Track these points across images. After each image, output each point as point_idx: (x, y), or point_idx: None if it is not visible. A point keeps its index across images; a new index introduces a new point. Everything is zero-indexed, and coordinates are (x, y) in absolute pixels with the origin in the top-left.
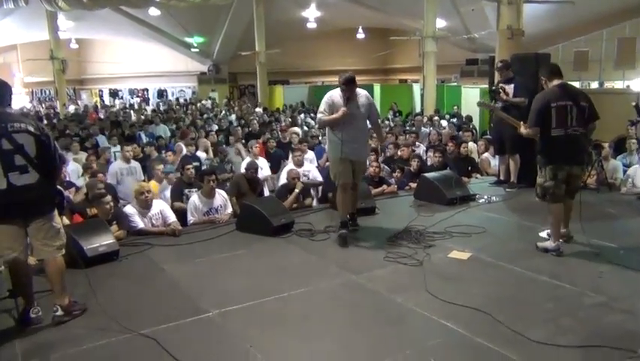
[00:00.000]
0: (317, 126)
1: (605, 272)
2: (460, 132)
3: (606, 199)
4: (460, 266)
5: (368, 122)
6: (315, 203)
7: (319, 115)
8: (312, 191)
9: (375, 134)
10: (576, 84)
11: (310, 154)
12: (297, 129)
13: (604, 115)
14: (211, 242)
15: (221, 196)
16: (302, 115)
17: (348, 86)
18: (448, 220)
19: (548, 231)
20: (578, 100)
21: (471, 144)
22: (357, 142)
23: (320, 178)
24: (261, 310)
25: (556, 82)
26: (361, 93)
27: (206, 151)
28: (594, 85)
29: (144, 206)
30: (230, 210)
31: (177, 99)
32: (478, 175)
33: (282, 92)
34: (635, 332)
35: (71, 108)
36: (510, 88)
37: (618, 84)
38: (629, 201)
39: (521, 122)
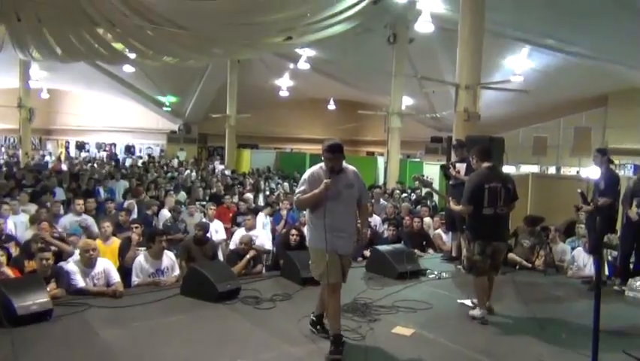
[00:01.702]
0: (295, 207)
1: (545, 355)
2: (419, 207)
3: (553, 281)
4: (402, 342)
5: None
6: (264, 270)
7: (296, 195)
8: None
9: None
10: (535, 168)
11: (263, 219)
12: (248, 196)
13: (557, 199)
14: (152, 305)
15: (168, 258)
16: (269, 181)
17: (335, 154)
18: (396, 294)
19: (473, 300)
20: (506, 182)
21: (427, 219)
22: (345, 230)
23: (268, 245)
24: None
25: (486, 164)
26: (349, 168)
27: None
28: (552, 170)
29: (88, 264)
30: (177, 272)
31: (150, 156)
32: (432, 250)
33: (249, 156)
34: None
35: (36, 158)
36: (462, 166)
37: (575, 170)
38: (574, 284)
39: (450, 198)
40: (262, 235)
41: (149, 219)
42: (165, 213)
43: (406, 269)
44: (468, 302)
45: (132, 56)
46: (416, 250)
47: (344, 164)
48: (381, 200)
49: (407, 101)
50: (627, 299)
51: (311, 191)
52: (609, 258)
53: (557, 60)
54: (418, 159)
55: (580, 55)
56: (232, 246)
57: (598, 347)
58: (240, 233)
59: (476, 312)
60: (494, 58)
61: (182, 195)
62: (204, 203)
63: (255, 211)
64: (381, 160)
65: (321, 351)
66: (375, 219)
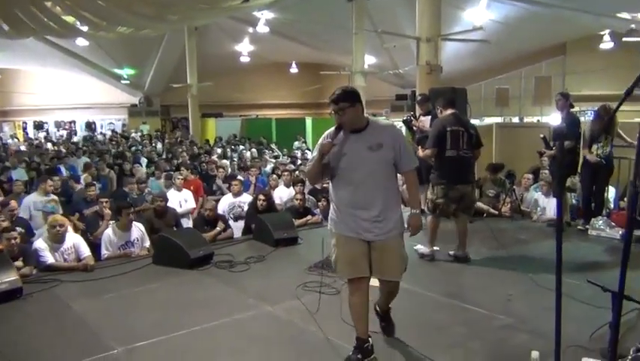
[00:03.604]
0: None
1: (514, 294)
2: None
3: (519, 226)
4: (377, 293)
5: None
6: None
7: (308, 165)
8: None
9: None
10: (498, 119)
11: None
12: (224, 162)
13: (520, 148)
14: (124, 277)
15: (138, 229)
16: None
17: (340, 104)
18: None
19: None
20: (468, 127)
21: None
22: (372, 207)
23: None
24: (169, 345)
25: (449, 111)
26: (378, 123)
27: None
28: (515, 120)
29: (56, 240)
30: (147, 243)
31: (113, 131)
32: (402, 206)
33: (214, 125)
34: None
35: None
36: (427, 119)
37: (536, 119)
38: (539, 228)
39: (418, 147)
40: (249, 199)
41: (122, 192)
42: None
43: None
44: (420, 247)
45: (84, 28)
46: None
47: (371, 118)
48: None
49: (370, 60)
50: (590, 238)
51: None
52: (573, 201)
53: (517, 10)
54: (384, 118)
55: (539, 3)
56: (220, 211)
57: (561, 279)
58: (227, 199)
59: (424, 250)
60: (454, 10)
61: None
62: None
63: (232, 177)
64: None
65: (298, 308)
66: None
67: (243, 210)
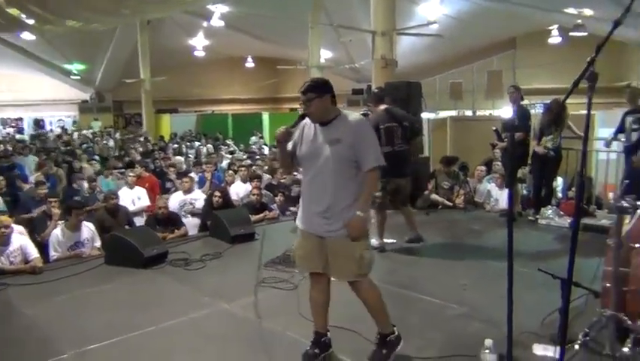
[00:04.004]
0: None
1: (468, 284)
2: None
3: (473, 217)
4: (334, 286)
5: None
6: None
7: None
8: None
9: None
10: (453, 112)
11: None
12: (178, 158)
13: (474, 140)
14: (76, 278)
15: (88, 229)
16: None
17: (306, 95)
18: None
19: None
20: (402, 121)
21: None
22: (321, 203)
23: None
24: (123, 346)
25: (382, 107)
26: (348, 118)
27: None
28: (468, 113)
29: (1, 242)
30: (98, 243)
31: (63, 128)
32: None
33: (169, 120)
34: (486, 337)
35: None
36: None
37: (489, 112)
38: (492, 218)
39: None
40: (201, 196)
41: (73, 190)
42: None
43: None
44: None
45: (30, 21)
46: None
47: (343, 112)
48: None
49: (326, 54)
50: (540, 227)
51: (294, 148)
52: (524, 191)
53: (469, 5)
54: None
55: None
56: (171, 208)
57: (513, 267)
58: (177, 196)
59: (374, 242)
60: (408, 4)
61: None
62: (123, 171)
63: (186, 174)
64: None
65: (255, 305)
66: None
67: (194, 206)
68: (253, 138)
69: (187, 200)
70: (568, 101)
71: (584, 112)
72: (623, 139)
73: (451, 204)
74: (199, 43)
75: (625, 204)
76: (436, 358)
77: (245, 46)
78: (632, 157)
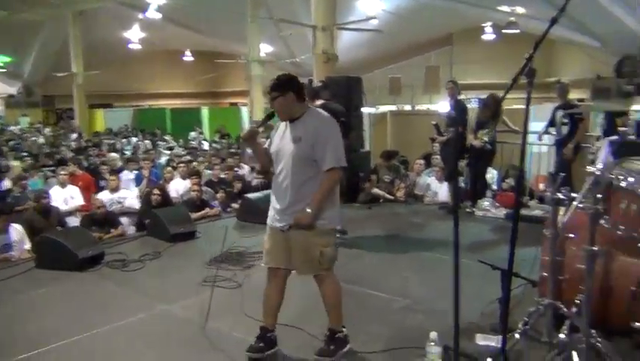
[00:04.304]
0: None
1: (411, 276)
2: None
3: (413, 210)
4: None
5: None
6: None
7: None
8: (127, 218)
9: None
10: (392, 107)
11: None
12: (113, 155)
13: (413, 134)
14: (4, 283)
15: (16, 230)
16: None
17: (272, 93)
18: None
19: None
20: (338, 116)
21: None
22: (283, 201)
23: (137, 205)
24: (58, 354)
25: (318, 102)
26: (314, 116)
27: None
28: (407, 107)
29: None
30: (28, 245)
31: None
32: None
33: (103, 116)
34: (429, 329)
35: None
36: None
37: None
38: (432, 210)
39: None
40: (130, 194)
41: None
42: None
43: None
44: None
45: None
46: None
47: (311, 109)
48: (248, 150)
49: (267, 48)
50: (477, 218)
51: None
52: (461, 184)
53: (408, 1)
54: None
55: None
56: None
57: (459, 259)
58: (103, 196)
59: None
60: (348, 0)
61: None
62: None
63: (121, 171)
64: (245, 110)
65: (198, 305)
66: (244, 169)
67: (122, 205)
68: (192, 134)
69: (114, 199)
70: (509, 96)
71: (517, 107)
72: (554, 132)
73: (392, 197)
74: (135, 35)
75: (561, 196)
76: (382, 351)
77: (183, 39)
78: (562, 150)
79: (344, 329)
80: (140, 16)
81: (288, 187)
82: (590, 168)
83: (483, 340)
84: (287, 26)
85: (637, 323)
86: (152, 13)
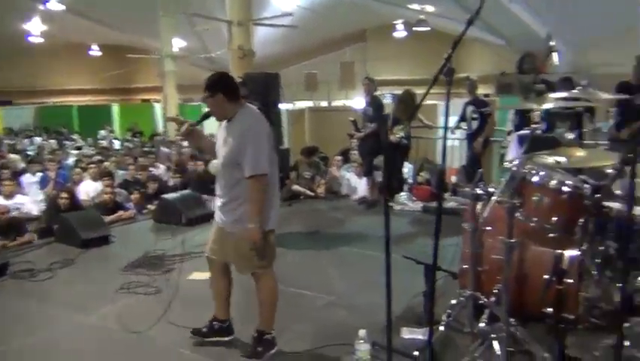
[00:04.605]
0: None
1: (334, 272)
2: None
3: (334, 206)
4: (201, 287)
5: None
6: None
7: None
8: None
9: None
10: (309, 103)
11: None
12: (14, 157)
13: (331, 130)
14: None
15: None
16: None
17: (205, 92)
18: (188, 241)
19: None
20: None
21: (215, 161)
22: (220, 198)
23: (36, 211)
24: None
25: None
26: (243, 117)
27: None
28: (324, 103)
29: None
30: None
31: None
32: None
33: (1, 114)
34: (354, 324)
35: None
36: None
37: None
38: (352, 206)
39: None
40: (27, 200)
41: None
42: None
43: (195, 214)
44: None
45: None
46: (204, 195)
47: (242, 110)
48: (163, 148)
49: (180, 43)
50: (395, 212)
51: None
52: (379, 179)
53: None
54: (197, 103)
55: None
56: None
57: (390, 255)
58: None
59: None
60: None
61: None
62: None
63: (21, 173)
64: (158, 107)
65: (117, 313)
66: (159, 168)
67: (20, 212)
68: (102, 132)
69: (10, 206)
70: (417, 91)
71: (430, 102)
72: (464, 127)
73: (312, 194)
74: (36, 28)
75: (479, 191)
76: (308, 351)
77: (89, 32)
78: (473, 143)
79: (273, 332)
80: (41, 7)
81: (223, 186)
82: (506, 164)
83: (409, 333)
84: (201, 21)
85: (549, 309)
86: (54, 5)
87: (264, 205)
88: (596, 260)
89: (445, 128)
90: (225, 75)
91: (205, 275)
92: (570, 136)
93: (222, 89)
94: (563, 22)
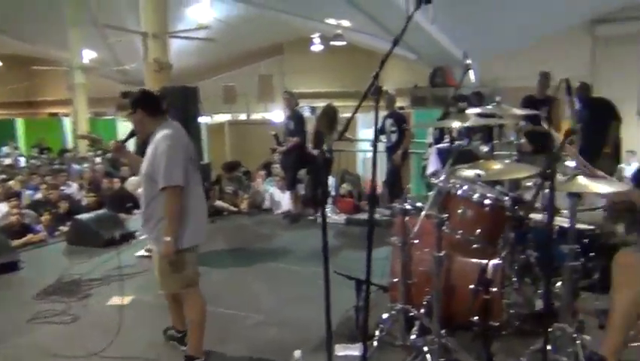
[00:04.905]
0: None
1: (262, 288)
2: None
3: (258, 221)
4: (121, 313)
5: None
6: None
7: None
8: None
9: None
10: (228, 116)
11: None
12: None
13: (251, 143)
14: None
15: None
16: None
17: (131, 109)
18: (106, 263)
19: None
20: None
21: (132, 178)
22: (142, 215)
23: None
24: None
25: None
26: (155, 136)
27: None
28: (243, 116)
29: None
30: None
31: None
32: (137, 210)
33: None
34: (286, 342)
35: None
36: None
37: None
38: (277, 220)
39: None
40: None
41: None
42: None
43: (113, 235)
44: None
45: None
46: (121, 213)
47: (161, 127)
48: (74, 165)
49: (91, 55)
50: (320, 225)
51: None
52: (303, 192)
53: (237, 10)
54: (110, 117)
55: (258, 5)
56: None
57: (328, 270)
58: None
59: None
60: (178, 6)
61: None
62: None
63: None
64: (67, 121)
65: (26, 346)
66: (71, 187)
67: None
68: (5, 149)
69: None
70: (337, 104)
71: (348, 115)
72: (384, 140)
73: (236, 209)
74: None
75: (408, 206)
76: None
77: None
78: (392, 156)
79: (202, 356)
80: None
81: (143, 204)
82: (433, 180)
83: (342, 350)
84: (114, 32)
85: (475, 318)
86: None
87: (182, 220)
88: (516, 267)
89: (375, 143)
90: (146, 92)
91: (126, 299)
92: (485, 149)
93: (142, 106)
94: (469, 37)
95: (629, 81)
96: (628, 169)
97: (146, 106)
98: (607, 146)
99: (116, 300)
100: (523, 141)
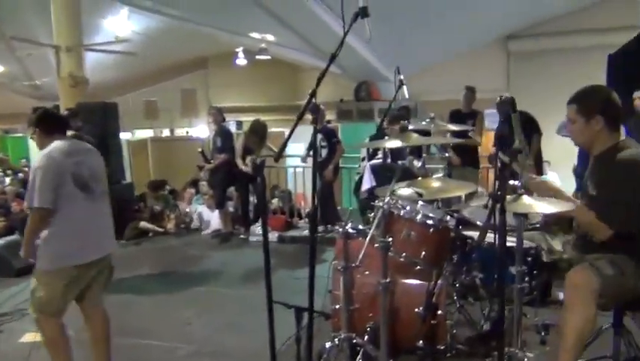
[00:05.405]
0: None
1: (193, 316)
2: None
3: (187, 242)
4: (36, 351)
5: None
6: None
7: None
8: None
9: None
10: (149, 132)
11: None
12: None
13: (177, 160)
14: None
15: None
16: None
17: (31, 128)
18: (19, 295)
19: None
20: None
21: None
22: None
23: None
24: None
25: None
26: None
27: None
28: (166, 132)
29: None
30: None
31: None
32: None
33: None
34: None
35: None
36: None
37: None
38: (206, 240)
39: None
40: None
41: None
42: None
43: (26, 263)
44: None
45: None
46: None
47: (54, 142)
48: None
49: None
50: (252, 244)
51: None
52: (230, 209)
53: (157, 23)
54: (21, 135)
55: (178, 18)
56: None
57: (272, 300)
58: None
59: None
60: (94, 19)
61: None
62: None
63: None
64: None
65: None
66: None
67: None
68: None
69: None
70: (263, 118)
71: (276, 130)
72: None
73: (162, 230)
74: None
75: (351, 230)
76: None
77: None
78: (323, 172)
79: None
80: None
81: None
82: (376, 203)
83: None
84: (24, 45)
85: (421, 342)
86: None
87: (46, 244)
88: (457, 286)
89: (315, 158)
90: (45, 110)
91: (39, 336)
92: (418, 164)
93: (38, 125)
94: (393, 51)
95: (540, 95)
96: (546, 179)
97: (41, 124)
98: (530, 158)
99: (29, 336)
100: (451, 154)
